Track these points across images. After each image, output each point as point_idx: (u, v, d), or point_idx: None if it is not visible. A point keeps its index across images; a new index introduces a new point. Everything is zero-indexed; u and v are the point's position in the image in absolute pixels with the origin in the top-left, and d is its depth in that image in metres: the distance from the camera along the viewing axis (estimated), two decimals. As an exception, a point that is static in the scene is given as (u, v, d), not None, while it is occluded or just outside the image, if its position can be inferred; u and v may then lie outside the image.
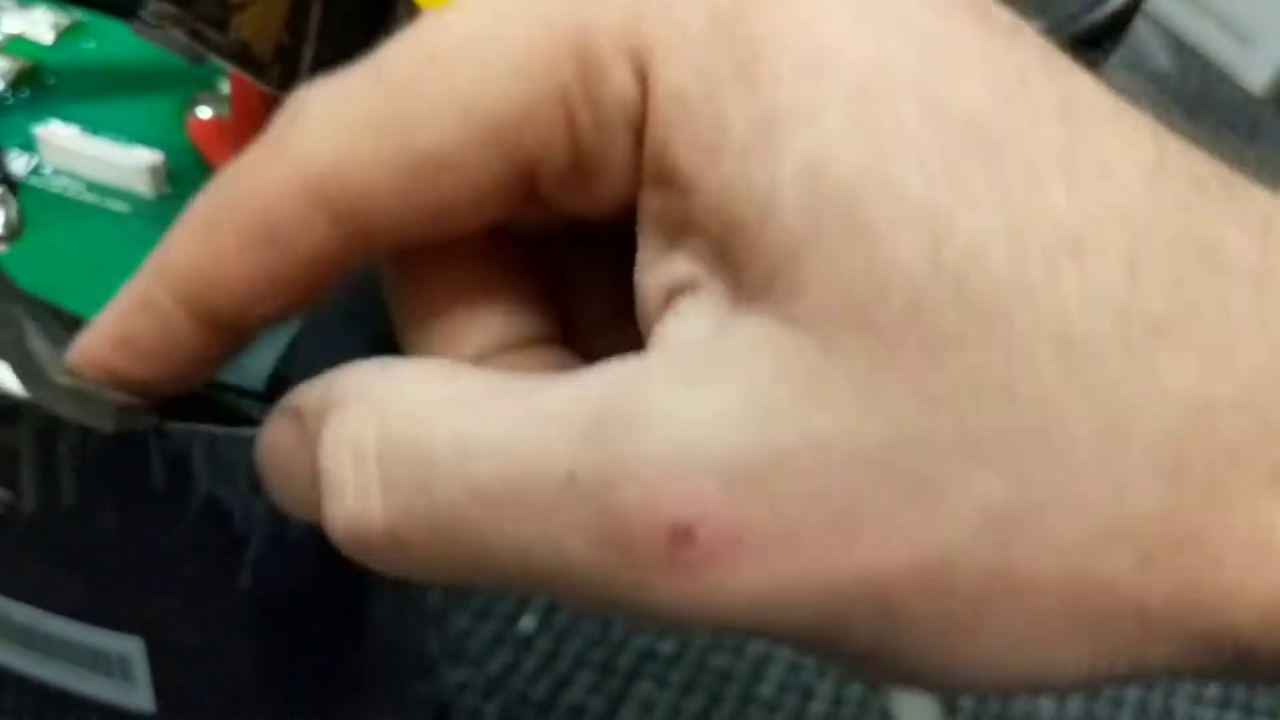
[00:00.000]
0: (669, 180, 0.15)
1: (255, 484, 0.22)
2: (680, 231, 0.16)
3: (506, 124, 0.16)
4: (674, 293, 0.16)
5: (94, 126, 0.25)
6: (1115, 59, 0.60)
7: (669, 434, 0.14)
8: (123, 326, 0.18)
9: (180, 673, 0.26)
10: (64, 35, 0.27)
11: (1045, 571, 0.14)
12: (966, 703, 0.44)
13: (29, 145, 0.24)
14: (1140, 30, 0.61)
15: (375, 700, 0.29)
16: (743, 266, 0.15)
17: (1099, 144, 0.15)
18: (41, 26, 0.27)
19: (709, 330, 0.15)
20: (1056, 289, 0.14)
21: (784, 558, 0.14)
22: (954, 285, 0.14)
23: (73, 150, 0.24)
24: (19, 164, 0.24)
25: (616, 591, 0.14)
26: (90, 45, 0.27)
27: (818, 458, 0.14)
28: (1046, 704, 0.44)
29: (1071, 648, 0.15)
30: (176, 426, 0.21)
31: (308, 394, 0.17)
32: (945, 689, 0.16)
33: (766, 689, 0.43)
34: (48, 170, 0.24)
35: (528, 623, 0.43)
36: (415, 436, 0.15)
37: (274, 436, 0.18)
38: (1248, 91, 0.62)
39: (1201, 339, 0.15)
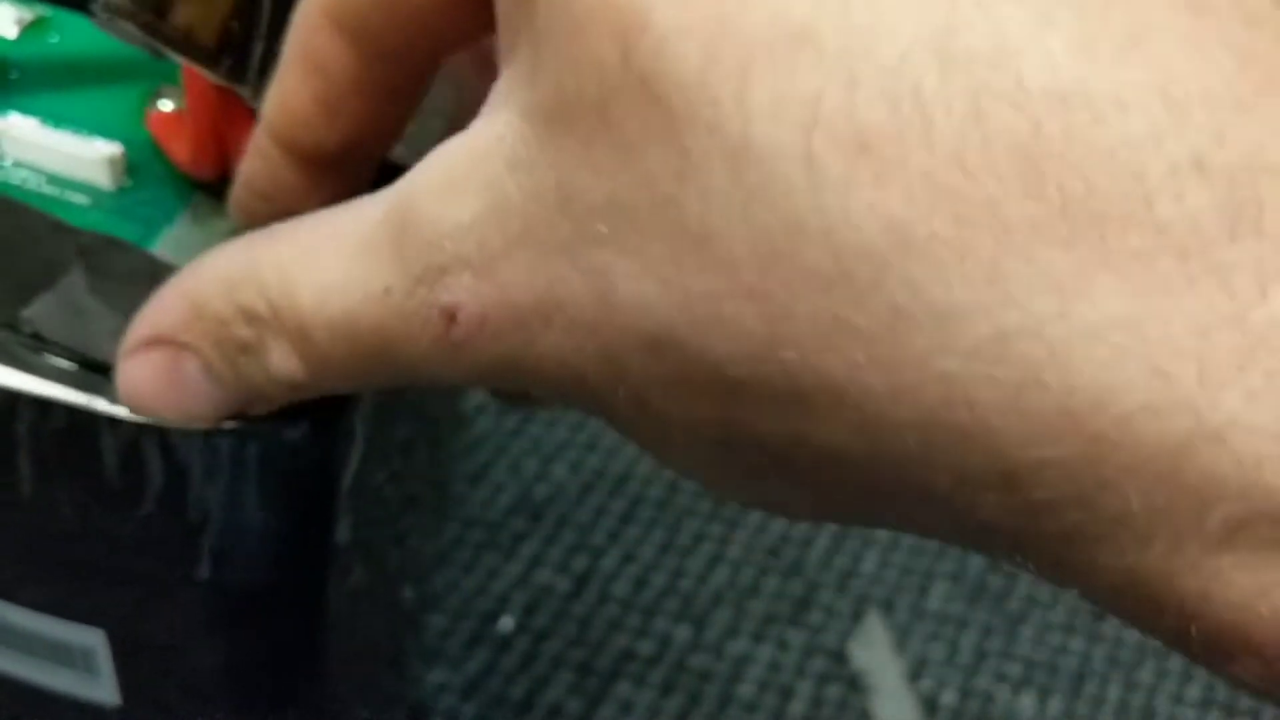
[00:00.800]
0: None
1: (209, 473, 0.22)
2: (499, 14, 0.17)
3: None
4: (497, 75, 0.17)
5: (55, 120, 0.25)
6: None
7: (438, 244, 0.16)
8: (246, 172, 0.21)
9: (144, 665, 0.26)
10: (28, 30, 0.27)
11: (693, 376, 0.15)
12: (946, 702, 0.44)
13: (-11, 138, 0.25)
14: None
15: (342, 694, 0.29)
16: (514, 53, 0.16)
17: None
18: (5, 22, 0.27)
19: (483, 123, 0.16)
20: (746, 95, 0.13)
21: (511, 333, 0.16)
22: (641, 84, 0.14)
23: (32, 142, 0.24)
24: (-21, 157, 0.24)
25: (433, 369, 0.17)
26: (54, 40, 0.27)
27: (531, 248, 0.16)
28: (1027, 702, 0.44)
29: (704, 450, 0.16)
30: (127, 418, 0.21)
31: (164, 316, 0.19)
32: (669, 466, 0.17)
33: (745, 689, 0.43)
34: (8, 163, 0.24)
35: (506, 623, 0.43)
36: (289, 298, 0.18)
37: (143, 372, 0.20)
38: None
39: (918, 163, 0.13)
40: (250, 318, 0.18)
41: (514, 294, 0.16)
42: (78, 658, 0.25)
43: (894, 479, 0.14)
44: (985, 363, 0.13)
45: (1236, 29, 0.13)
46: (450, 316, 0.16)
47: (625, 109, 0.14)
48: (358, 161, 0.20)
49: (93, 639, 0.25)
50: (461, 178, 0.16)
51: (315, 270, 0.18)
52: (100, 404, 0.21)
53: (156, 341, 0.19)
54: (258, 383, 0.19)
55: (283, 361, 0.18)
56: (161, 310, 0.19)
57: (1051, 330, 0.12)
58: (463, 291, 0.16)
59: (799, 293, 0.13)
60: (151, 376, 0.20)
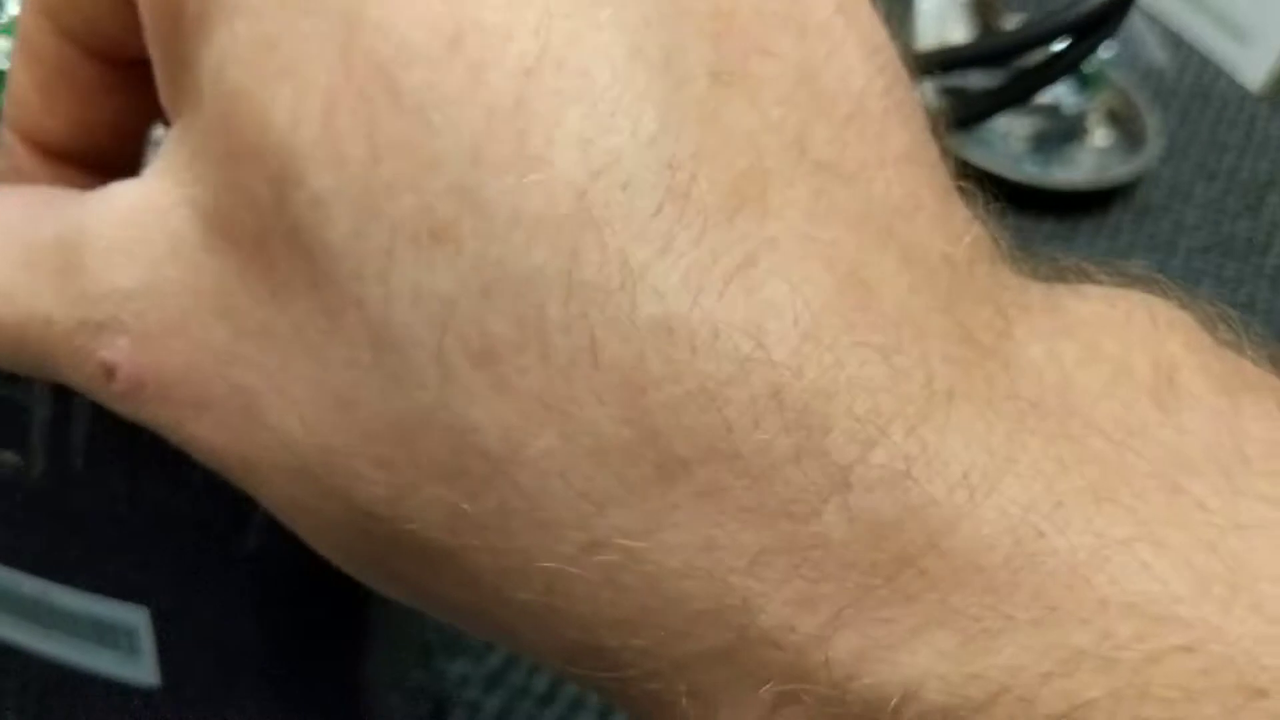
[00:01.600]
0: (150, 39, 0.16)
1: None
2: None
3: None
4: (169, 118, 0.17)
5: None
6: (1113, 56, 0.61)
7: (97, 302, 0.16)
8: None
9: (186, 644, 0.26)
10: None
11: (333, 511, 0.15)
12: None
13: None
14: (1137, 26, 0.61)
15: (375, 684, 0.29)
16: (179, 119, 0.16)
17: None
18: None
19: (155, 181, 0.16)
20: (389, 277, 0.14)
21: (167, 407, 0.16)
22: (294, 234, 0.14)
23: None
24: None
25: (104, 403, 0.17)
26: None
27: (184, 340, 0.16)
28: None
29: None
30: None
31: None
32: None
33: (769, 680, 0.43)
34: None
35: (529, 615, 0.43)
36: None
37: None
38: (1244, 89, 0.62)
39: (535, 382, 0.14)
40: None
41: (168, 375, 0.16)
42: (120, 637, 0.25)
43: (507, 631, 0.15)
44: (579, 566, 0.14)
45: (850, 246, 0.14)
46: (109, 372, 0.16)
47: (279, 253, 0.14)
48: (99, 157, 0.19)
49: (136, 617, 0.25)
50: (126, 242, 0.16)
51: None
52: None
53: None
54: None
55: None
56: None
57: (635, 544, 0.13)
58: (119, 353, 0.16)
59: (424, 476, 0.14)
60: None
